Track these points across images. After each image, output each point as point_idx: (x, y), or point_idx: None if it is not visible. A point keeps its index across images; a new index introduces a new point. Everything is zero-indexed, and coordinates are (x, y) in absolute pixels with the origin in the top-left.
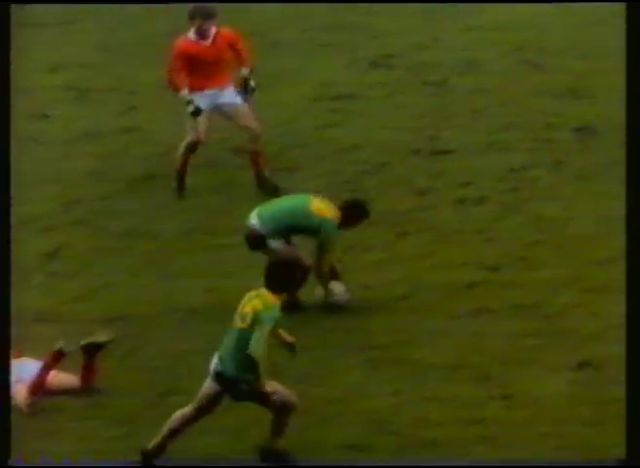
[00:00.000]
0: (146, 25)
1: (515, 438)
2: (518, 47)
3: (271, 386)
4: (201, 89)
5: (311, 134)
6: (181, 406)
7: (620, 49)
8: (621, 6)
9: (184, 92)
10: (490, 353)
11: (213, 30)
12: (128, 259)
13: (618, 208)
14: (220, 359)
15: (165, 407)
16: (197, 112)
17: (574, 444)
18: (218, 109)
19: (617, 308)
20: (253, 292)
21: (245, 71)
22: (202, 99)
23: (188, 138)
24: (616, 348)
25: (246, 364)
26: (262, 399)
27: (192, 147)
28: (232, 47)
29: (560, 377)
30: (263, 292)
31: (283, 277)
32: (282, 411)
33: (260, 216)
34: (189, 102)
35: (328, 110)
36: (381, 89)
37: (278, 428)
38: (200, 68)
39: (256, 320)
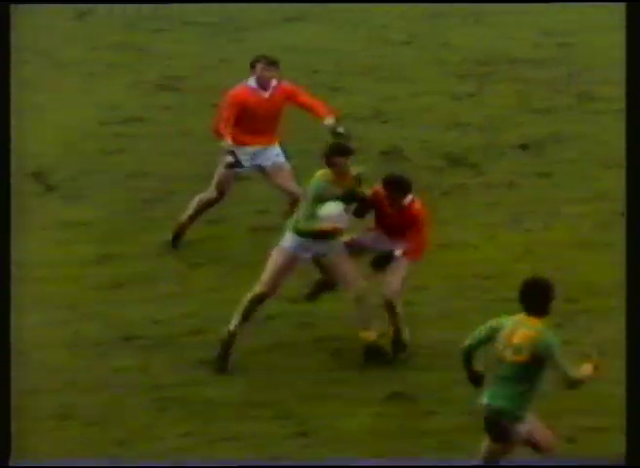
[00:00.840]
0: None
1: None
2: (313, 69)
3: (532, 426)
4: (244, 144)
5: (97, 159)
6: None
7: (427, 70)
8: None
9: (228, 141)
10: (287, 389)
11: (273, 82)
12: None
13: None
14: (491, 396)
15: None
16: (235, 166)
17: None
18: (255, 168)
19: (428, 336)
20: (512, 321)
21: (329, 121)
22: (240, 155)
23: (207, 194)
24: (428, 377)
25: (522, 399)
26: (514, 437)
27: (209, 204)
28: (292, 100)
29: (367, 411)
30: (527, 318)
31: (541, 299)
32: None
33: None
34: (231, 153)
35: (114, 134)
36: (168, 112)
37: None
38: (251, 121)
39: (541, 351)
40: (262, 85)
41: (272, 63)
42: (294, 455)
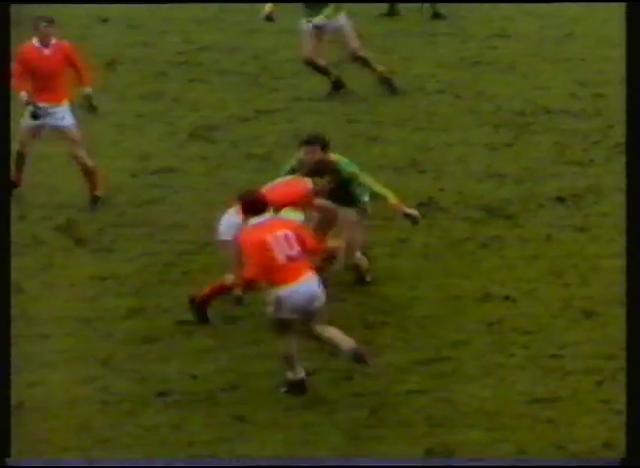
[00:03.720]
0: None
1: None
2: (349, 119)
3: None
4: (34, 100)
5: (131, 211)
6: None
7: (462, 120)
8: None
9: (24, 94)
10: (326, 446)
11: (53, 40)
12: None
13: (464, 286)
14: None
15: None
16: (35, 117)
17: None
18: (44, 127)
19: (472, 394)
20: None
21: (87, 90)
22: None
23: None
24: (469, 434)
25: None
26: None
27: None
28: (70, 61)
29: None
30: None
31: None
32: None
33: None
34: (29, 104)
35: (148, 185)
36: (203, 163)
37: None
38: (37, 78)
39: None
40: (43, 42)
41: (51, 21)
42: None
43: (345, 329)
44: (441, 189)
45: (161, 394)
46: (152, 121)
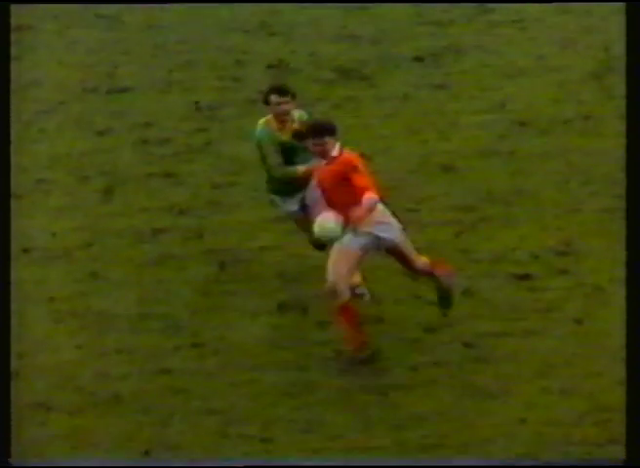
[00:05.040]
0: None
1: (206, 388)
2: None
3: None
4: None
5: None
6: None
7: None
8: None
9: None
10: (177, 301)
11: None
12: None
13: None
14: None
15: None
16: None
17: (272, 390)
18: None
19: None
20: None
21: None
22: None
23: None
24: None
25: None
26: None
27: None
28: None
29: (258, 322)
30: None
31: None
32: None
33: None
34: None
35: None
36: (53, 22)
37: None
38: None
39: None
40: None
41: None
42: (184, 368)
43: (192, 190)
44: (292, 51)
45: (25, 250)
46: None
